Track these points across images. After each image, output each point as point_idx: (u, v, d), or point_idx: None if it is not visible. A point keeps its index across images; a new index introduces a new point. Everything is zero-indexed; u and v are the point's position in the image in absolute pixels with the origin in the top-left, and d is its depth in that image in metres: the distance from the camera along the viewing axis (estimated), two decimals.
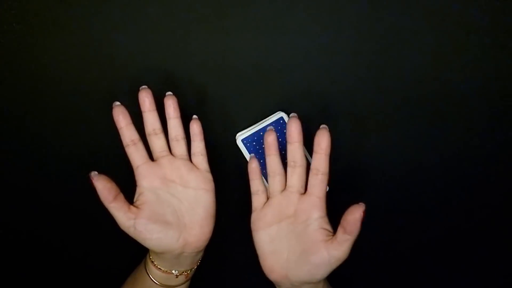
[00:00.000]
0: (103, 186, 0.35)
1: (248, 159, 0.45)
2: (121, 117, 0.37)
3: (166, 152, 0.39)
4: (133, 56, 0.44)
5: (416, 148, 0.46)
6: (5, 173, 0.46)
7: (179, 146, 0.39)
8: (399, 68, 0.44)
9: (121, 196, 0.37)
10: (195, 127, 0.39)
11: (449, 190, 0.47)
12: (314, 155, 0.37)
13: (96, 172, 0.36)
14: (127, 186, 0.46)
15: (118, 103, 0.38)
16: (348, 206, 0.47)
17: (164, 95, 0.39)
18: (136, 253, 0.47)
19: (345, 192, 0.47)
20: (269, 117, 0.44)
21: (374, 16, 0.43)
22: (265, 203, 0.39)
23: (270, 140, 0.38)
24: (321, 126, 0.37)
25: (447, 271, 0.48)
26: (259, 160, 0.45)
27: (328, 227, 0.37)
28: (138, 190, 0.38)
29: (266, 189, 0.40)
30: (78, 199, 0.46)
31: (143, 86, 0.38)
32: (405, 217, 0.47)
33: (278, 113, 0.44)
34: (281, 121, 0.44)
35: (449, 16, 0.43)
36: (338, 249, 0.35)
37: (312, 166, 0.37)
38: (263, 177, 0.45)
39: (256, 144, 0.44)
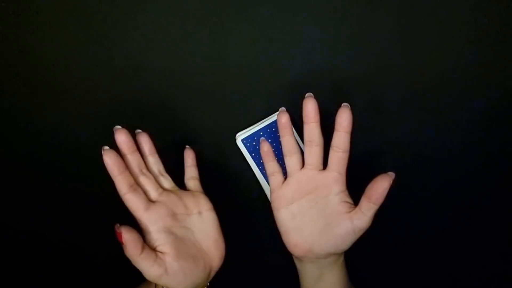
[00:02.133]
0: (131, 238, 0.32)
1: (248, 158, 0.45)
2: (116, 166, 0.34)
3: (161, 189, 0.37)
4: (133, 56, 0.44)
5: (416, 148, 0.46)
6: (5, 173, 0.46)
7: (167, 181, 0.39)
8: (399, 68, 0.44)
9: (146, 245, 0.34)
10: (189, 155, 0.41)
11: (449, 190, 0.46)
12: (335, 133, 0.37)
13: (118, 224, 0.33)
14: None
15: (107, 147, 0.34)
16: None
17: (135, 132, 0.38)
18: None
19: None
20: (269, 117, 0.45)
21: (374, 16, 0.43)
22: (284, 182, 0.40)
23: (284, 121, 0.38)
24: (343, 104, 0.37)
25: (447, 271, 0.48)
26: (258, 160, 0.45)
27: (349, 199, 0.38)
28: (150, 236, 0.35)
29: (282, 170, 0.40)
30: (77, 199, 0.46)
31: (117, 127, 0.36)
32: (405, 216, 0.47)
33: (278, 113, 0.44)
34: None
35: (449, 16, 0.43)
36: (361, 218, 0.36)
37: (333, 144, 0.37)
38: (263, 178, 0.45)
39: (256, 144, 0.44)
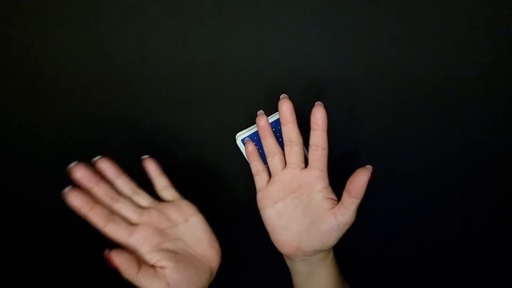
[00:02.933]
0: (124, 260, 0.32)
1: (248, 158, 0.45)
2: (83, 205, 0.33)
3: (140, 209, 0.37)
4: (133, 56, 0.44)
5: (416, 148, 0.46)
6: (4, 173, 0.46)
7: (143, 198, 0.38)
8: (399, 68, 0.44)
9: (142, 262, 0.33)
10: (150, 165, 0.39)
11: (449, 190, 0.46)
12: (311, 131, 0.37)
13: (107, 250, 0.32)
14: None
15: (66, 189, 0.33)
16: None
17: (92, 161, 0.37)
18: None
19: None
20: (269, 117, 0.44)
21: (374, 16, 0.43)
22: (268, 181, 0.40)
23: (263, 124, 0.38)
24: (316, 103, 0.37)
25: (444, 271, 0.48)
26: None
27: (332, 196, 0.39)
28: (143, 258, 0.34)
29: (267, 169, 0.41)
30: None
31: (71, 165, 0.35)
32: (405, 217, 0.47)
33: (278, 113, 0.44)
34: None
35: (449, 16, 0.43)
36: (345, 213, 0.37)
37: (311, 143, 0.37)
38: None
39: (256, 144, 0.44)
